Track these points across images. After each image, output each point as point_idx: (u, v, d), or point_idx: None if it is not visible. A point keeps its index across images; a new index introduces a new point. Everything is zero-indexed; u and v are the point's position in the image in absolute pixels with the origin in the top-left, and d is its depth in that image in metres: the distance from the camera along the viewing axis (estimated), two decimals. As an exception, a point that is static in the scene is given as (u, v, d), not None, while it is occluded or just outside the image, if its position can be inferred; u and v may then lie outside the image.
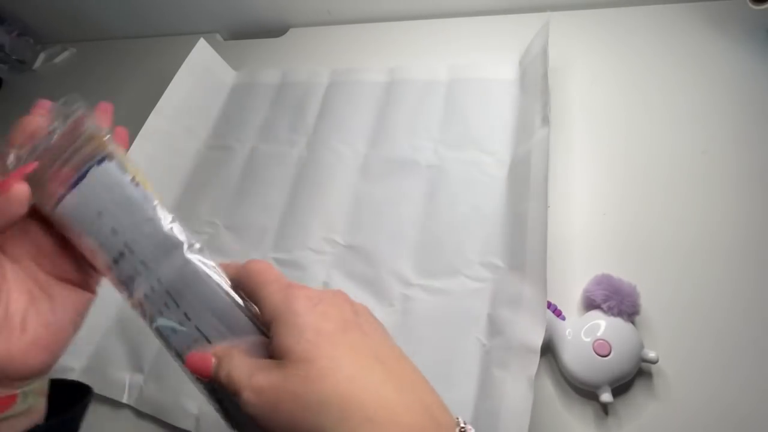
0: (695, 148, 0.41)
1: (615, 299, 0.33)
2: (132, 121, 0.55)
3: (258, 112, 0.56)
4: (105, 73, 0.70)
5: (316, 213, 0.46)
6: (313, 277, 0.42)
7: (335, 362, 0.19)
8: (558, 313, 0.35)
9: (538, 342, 0.31)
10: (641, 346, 0.32)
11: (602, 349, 0.32)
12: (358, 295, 0.40)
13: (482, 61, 0.51)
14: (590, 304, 0.35)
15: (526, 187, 0.39)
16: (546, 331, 0.33)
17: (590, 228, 0.40)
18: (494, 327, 0.36)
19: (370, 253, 0.42)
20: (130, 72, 0.68)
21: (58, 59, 0.74)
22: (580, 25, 0.51)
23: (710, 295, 0.35)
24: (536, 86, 0.44)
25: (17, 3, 0.72)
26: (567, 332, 0.34)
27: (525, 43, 0.49)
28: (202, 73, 0.57)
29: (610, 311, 0.33)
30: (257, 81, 0.59)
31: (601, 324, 0.33)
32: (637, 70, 0.47)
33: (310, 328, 0.20)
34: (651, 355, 0.32)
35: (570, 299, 0.37)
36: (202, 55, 0.57)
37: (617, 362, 0.32)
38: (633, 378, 0.33)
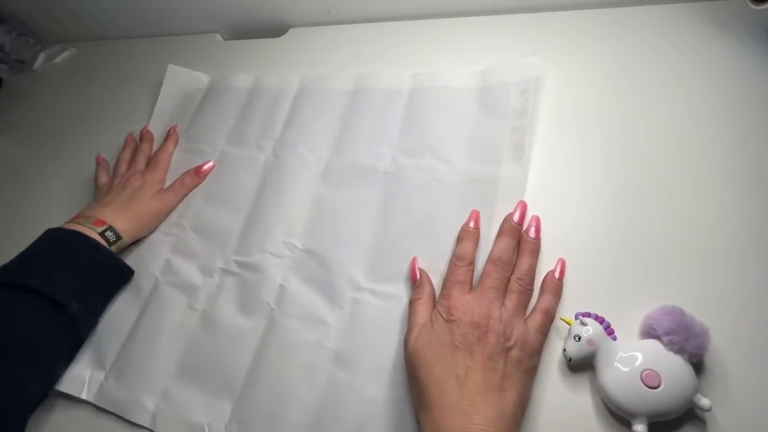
0: (695, 149, 0.41)
1: (681, 336, 0.31)
2: (133, 121, 0.55)
3: (229, 116, 0.57)
4: (105, 73, 0.70)
5: (279, 217, 0.47)
6: (271, 280, 0.43)
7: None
8: (610, 331, 0.33)
9: None
10: (695, 390, 0.30)
11: (650, 380, 0.30)
12: (312, 298, 0.42)
13: (445, 70, 0.51)
14: (649, 333, 0.33)
15: (488, 216, 0.41)
16: (592, 345, 0.32)
17: (593, 230, 0.40)
18: None
19: (326, 257, 0.43)
20: (130, 72, 0.68)
21: (58, 59, 0.74)
22: (579, 25, 0.51)
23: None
24: (503, 113, 0.45)
25: (17, 3, 0.72)
26: (617, 356, 0.32)
27: (526, 44, 0.49)
28: (177, 91, 0.60)
29: (670, 346, 0.31)
30: (230, 85, 0.60)
31: (656, 356, 0.31)
32: (637, 70, 0.47)
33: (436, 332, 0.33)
34: (704, 401, 0.30)
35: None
36: (174, 79, 0.60)
37: (663, 397, 0.30)
38: (677, 420, 0.31)
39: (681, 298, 0.34)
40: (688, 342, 0.31)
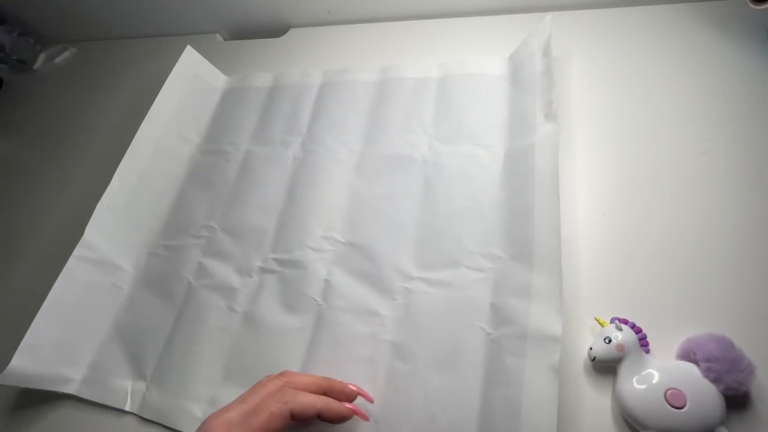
0: (695, 148, 0.41)
1: (722, 366, 0.30)
2: (133, 120, 0.55)
3: (251, 115, 0.56)
4: (105, 73, 0.70)
5: (314, 212, 0.46)
6: (314, 275, 0.43)
7: None
8: (644, 343, 0.33)
9: (557, 331, 0.32)
10: (720, 422, 0.29)
11: (675, 400, 0.29)
12: (360, 290, 0.41)
13: (473, 58, 0.51)
14: (688, 356, 0.32)
15: (530, 180, 0.40)
16: (622, 350, 0.32)
17: (594, 230, 0.40)
18: (500, 316, 0.36)
19: (370, 248, 0.43)
20: (130, 72, 0.68)
21: (58, 59, 0.74)
22: (579, 25, 0.51)
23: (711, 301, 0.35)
24: (532, 82, 0.45)
25: (17, 3, 0.72)
26: (645, 369, 0.31)
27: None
28: (191, 80, 0.58)
29: (707, 373, 0.30)
30: (249, 85, 0.59)
31: (688, 379, 0.30)
32: (637, 70, 0.47)
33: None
34: None
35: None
36: (189, 63, 0.58)
37: (683, 419, 0.29)
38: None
39: (734, 329, 0.32)
40: (728, 374, 0.30)
